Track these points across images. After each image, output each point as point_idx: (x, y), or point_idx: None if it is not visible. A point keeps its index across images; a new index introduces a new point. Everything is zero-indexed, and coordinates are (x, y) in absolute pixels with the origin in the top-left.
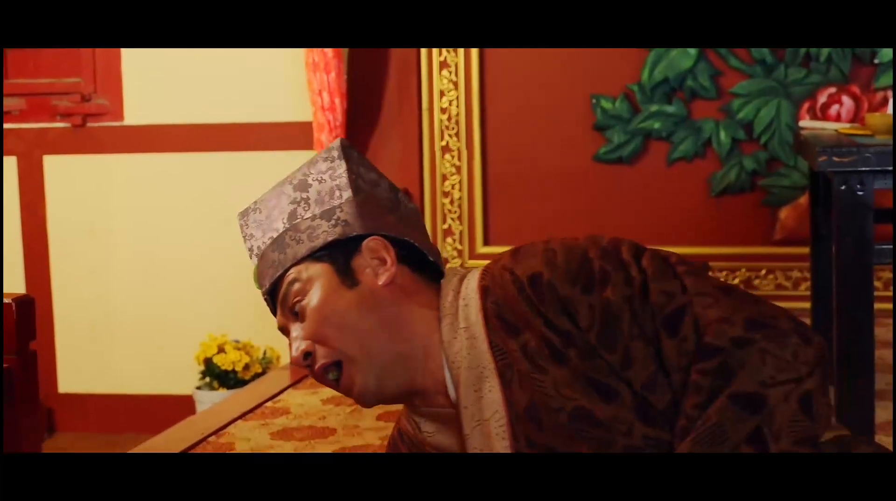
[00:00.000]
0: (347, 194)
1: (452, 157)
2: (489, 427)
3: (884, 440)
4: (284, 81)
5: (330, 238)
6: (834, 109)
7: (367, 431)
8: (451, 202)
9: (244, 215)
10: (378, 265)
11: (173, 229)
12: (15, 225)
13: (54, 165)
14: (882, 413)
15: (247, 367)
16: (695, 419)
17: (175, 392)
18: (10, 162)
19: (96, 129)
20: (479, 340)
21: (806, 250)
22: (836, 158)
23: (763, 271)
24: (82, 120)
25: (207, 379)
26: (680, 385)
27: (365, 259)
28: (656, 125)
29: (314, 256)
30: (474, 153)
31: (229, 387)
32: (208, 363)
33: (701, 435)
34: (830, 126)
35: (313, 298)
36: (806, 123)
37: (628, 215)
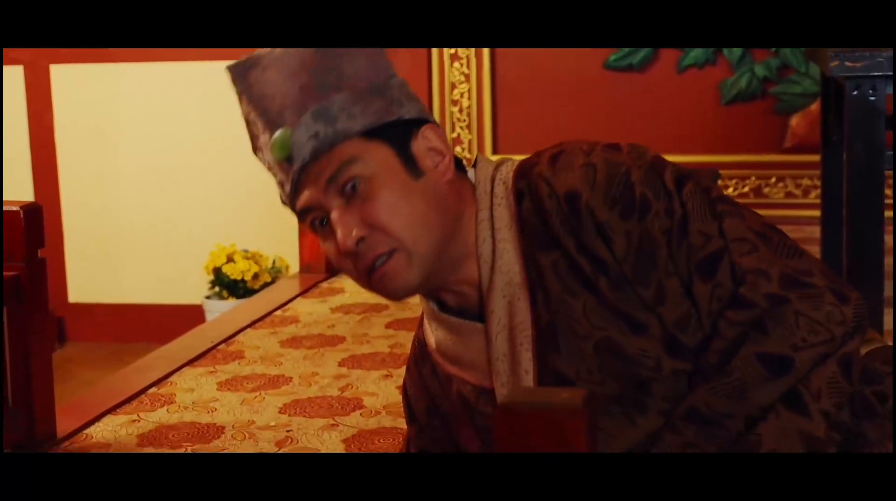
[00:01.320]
0: (389, 72)
1: (461, 65)
2: (515, 335)
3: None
4: None
5: (390, 118)
6: None
7: (375, 339)
8: (460, 111)
9: (240, 71)
10: (435, 156)
11: (182, 139)
12: (23, 135)
13: (61, 74)
14: (890, 320)
15: (256, 276)
16: (714, 365)
17: (185, 302)
18: (17, 71)
19: None
20: (511, 246)
21: (816, 158)
22: (848, 63)
23: (773, 179)
24: None
25: (217, 289)
26: (711, 329)
27: (421, 148)
28: None
29: (371, 133)
30: (483, 61)
31: (238, 296)
32: (217, 272)
33: (719, 386)
34: None
35: (379, 182)
36: None
37: (638, 122)
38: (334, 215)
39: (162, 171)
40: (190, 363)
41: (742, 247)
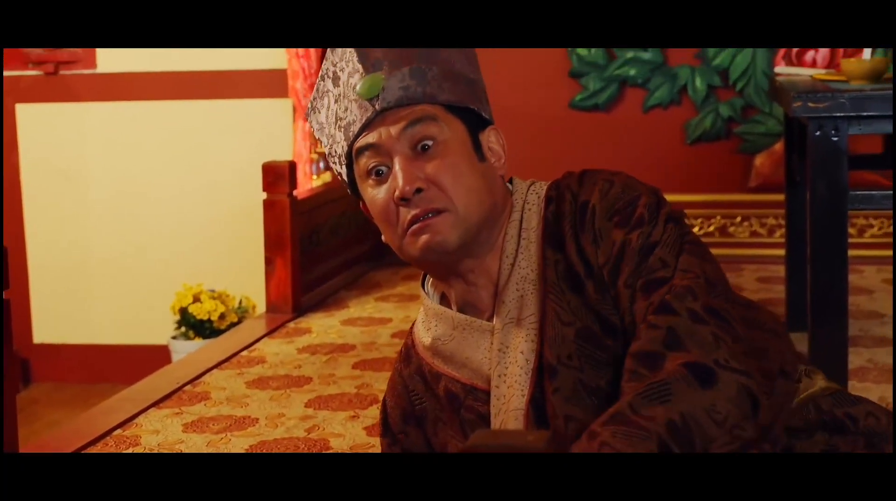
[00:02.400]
0: (479, 73)
1: None
2: (523, 326)
3: (856, 385)
4: None
5: (473, 106)
6: (809, 55)
7: (342, 379)
8: None
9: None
10: (494, 155)
11: (148, 179)
12: None
13: (27, 114)
14: (854, 360)
15: (222, 316)
16: (629, 369)
17: (150, 342)
18: None
19: (69, 77)
20: (534, 246)
21: (781, 197)
22: (811, 104)
23: (738, 219)
24: (55, 68)
25: (183, 329)
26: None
27: (486, 142)
28: (632, 72)
29: (453, 108)
30: None
31: (205, 337)
32: (184, 312)
33: (645, 390)
34: (806, 72)
35: (450, 148)
36: (781, 69)
37: (604, 162)
38: (399, 163)
39: (127, 211)
40: (155, 404)
41: (686, 275)
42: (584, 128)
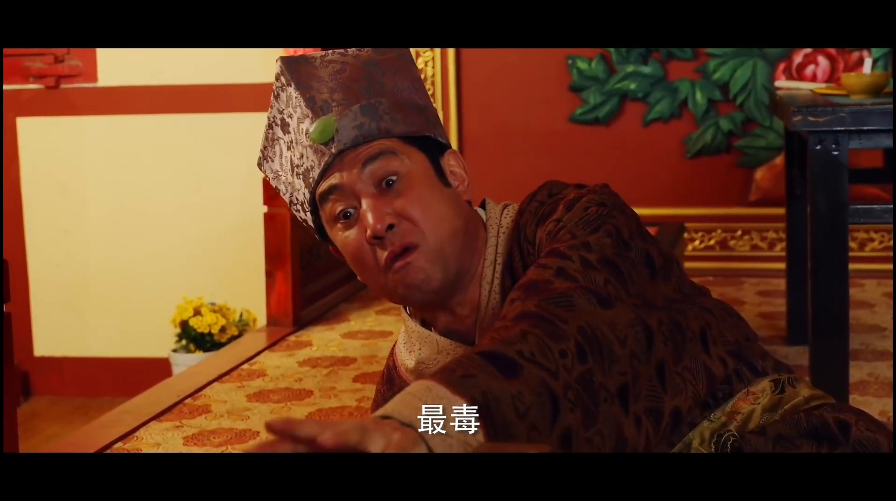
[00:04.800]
0: (428, 99)
1: None
2: None
3: (857, 399)
4: None
5: (427, 133)
6: (810, 69)
7: (343, 393)
8: None
9: (291, 63)
10: (457, 179)
11: (148, 192)
12: None
13: (28, 128)
14: (855, 373)
15: (223, 329)
16: (513, 297)
17: (151, 355)
18: None
19: (70, 90)
20: (508, 272)
21: (781, 210)
22: (811, 118)
23: (739, 232)
24: (56, 82)
25: (183, 342)
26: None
27: (447, 166)
28: (632, 86)
29: (410, 139)
30: (450, 114)
31: (205, 350)
32: (184, 325)
33: (548, 298)
34: (806, 86)
35: (414, 180)
36: (782, 83)
37: (604, 176)
38: (367, 202)
39: (128, 224)
40: (156, 417)
41: (593, 244)
42: (585, 142)
